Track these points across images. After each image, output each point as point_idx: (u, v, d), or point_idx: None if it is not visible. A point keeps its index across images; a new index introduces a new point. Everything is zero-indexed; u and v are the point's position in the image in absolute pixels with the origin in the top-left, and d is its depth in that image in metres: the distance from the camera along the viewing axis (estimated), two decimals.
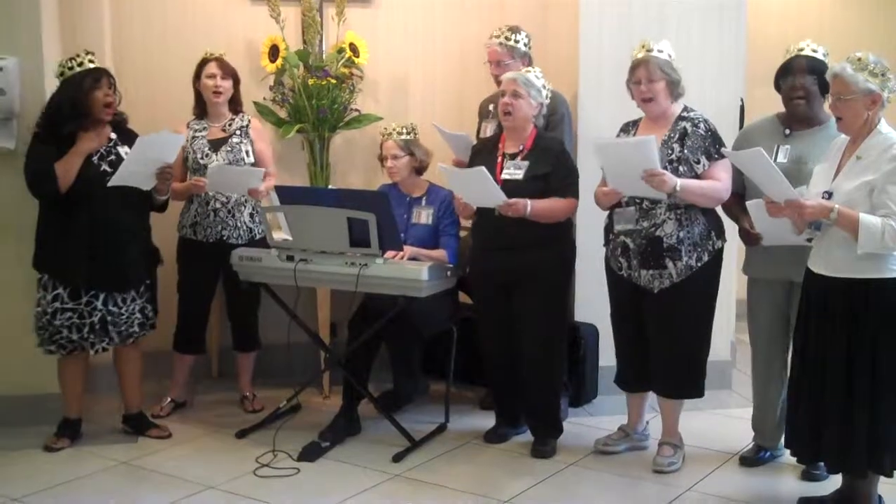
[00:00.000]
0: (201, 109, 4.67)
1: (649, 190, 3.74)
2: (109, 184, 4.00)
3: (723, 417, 4.72)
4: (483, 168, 3.95)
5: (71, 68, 4.09)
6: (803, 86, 3.80)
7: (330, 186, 5.10)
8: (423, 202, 4.49)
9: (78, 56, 4.12)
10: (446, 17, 5.47)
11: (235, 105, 4.69)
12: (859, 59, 3.31)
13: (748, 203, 3.72)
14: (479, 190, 3.99)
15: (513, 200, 3.94)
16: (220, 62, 4.59)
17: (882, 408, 3.33)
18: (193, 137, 4.60)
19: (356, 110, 5.25)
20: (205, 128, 4.63)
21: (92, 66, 4.10)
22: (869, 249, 3.24)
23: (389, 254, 4.16)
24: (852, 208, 3.27)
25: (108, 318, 4.12)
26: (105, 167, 4.08)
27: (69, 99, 4.05)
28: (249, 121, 4.70)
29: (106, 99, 4.09)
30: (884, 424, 3.33)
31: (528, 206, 3.95)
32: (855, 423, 3.34)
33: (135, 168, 4.02)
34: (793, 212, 3.37)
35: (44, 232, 4.13)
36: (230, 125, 4.64)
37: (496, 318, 4.22)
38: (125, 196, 4.07)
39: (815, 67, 3.78)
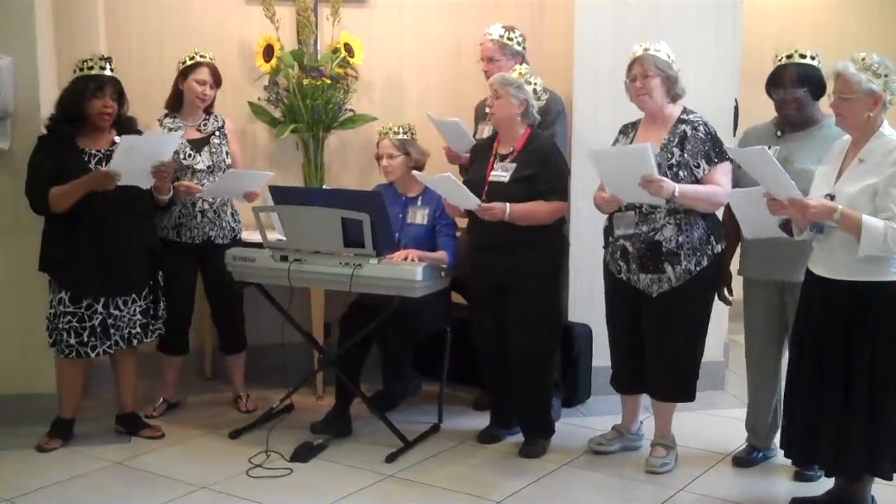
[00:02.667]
0: (176, 106, 4.62)
1: (648, 196, 3.73)
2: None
3: (716, 418, 4.72)
4: (450, 174, 3.96)
5: (81, 69, 4.10)
6: (795, 98, 3.77)
7: (324, 186, 5.10)
8: (419, 202, 4.49)
9: (91, 59, 4.12)
10: (441, 18, 5.46)
11: (209, 107, 4.67)
12: (863, 59, 3.29)
13: (732, 192, 3.72)
14: (455, 194, 4.00)
15: (488, 204, 3.94)
16: (214, 70, 4.56)
17: (881, 411, 3.32)
18: None
19: (351, 110, 5.24)
20: (180, 126, 4.57)
21: (103, 72, 4.08)
22: (871, 252, 3.22)
23: (400, 254, 4.17)
24: (855, 211, 3.26)
25: (109, 320, 4.12)
26: None
27: (68, 102, 4.08)
28: (224, 122, 4.69)
29: (104, 109, 4.08)
30: (883, 427, 3.32)
31: (507, 209, 3.95)
32: (854, 426, 3.34)
33: (125, 166, 3.97)
34: (796, 211, 3.35)
35: (49, 234, 4.13)
36: (205, 126, 4.62)
37: (489, 318, 4.21)
38: (127, 198, 4.06)
39: (807, 76, 3.74)
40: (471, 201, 3.96)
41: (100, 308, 4.10)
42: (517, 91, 4.06)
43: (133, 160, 3.99)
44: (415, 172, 4.26)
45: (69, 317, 4.09)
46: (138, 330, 4.23)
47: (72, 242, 4.06)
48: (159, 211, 4.35)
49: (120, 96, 4.16)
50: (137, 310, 4.21)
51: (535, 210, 4.02)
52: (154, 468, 4.04)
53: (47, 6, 4.62)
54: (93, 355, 4.15)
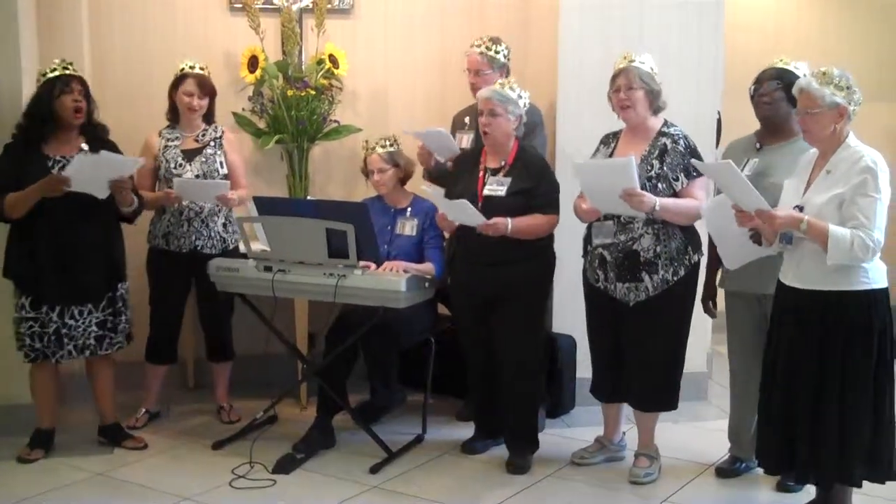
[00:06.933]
0: (174, 118, 4.64)
1: (628, 208, 3.76)
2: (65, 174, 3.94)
3: (699, 429, 4.74)
4: (465, 201, 3.92)
5: (45, 74, 4.09)
6: (767, 91, 3.87)
7: (309, 197, 5.10)
8: (408, 213, 4.50)
9: (53, 62, 4.12)
10: (426, 29, 5.48)
11: (209, 116, 4.67)
12: (824, 74, 3.34)
13: (704, 207, 3.80)
14: (465, 215, 3.98)
15: (493, 221, 3.91)
16: (200, 81, 4.55)
17: (851, 420, 3.35)
18: (166, 147, 4.57)
19: (335, 121, 5.26)
20: (178, 137, 4.59)
21: (67, 72, 4.08)
22: (838, 261, 3.26)
23: (385, 266, 4.18)
24: (822, 221, 3.30)
25: (63, 330, 4.08)
26: None
27: (38, 103, 4.06)
28: (223, 132, 4.69)
29: (74, 104, 4.06)
30: (853, 436, 3.35)
31: (509, 225, 3.94)
32: (824, 435, 3.36)
33: (79, 175, 3.92)
34: (764, 222, 3.40)
35: (10, 239, 4.10)
36: (203, 136, 4.63)
37: (476, 331, 4.21)
38: (89, 207, 4.03)
39: (781, 75, 3.85)
40: (477, 220, 3.93)
41: (55, 316, 4.07)
42: (514, 108, 4.08)
43: (88, 173, 3.95)
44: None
45: (31, 322, 4.07)
46: (92, 341, 4.16)
47: (31, 249, 4.03)
48: (125, 221, 4.28)
49: (87, 95, 4.13)
50: (93, 321, 4.15)
51: (534, 223, 4.02)
52: (136, 479, 4.02)
53: (31, 16, 4.61)
54: (53, 360, 4.12)
